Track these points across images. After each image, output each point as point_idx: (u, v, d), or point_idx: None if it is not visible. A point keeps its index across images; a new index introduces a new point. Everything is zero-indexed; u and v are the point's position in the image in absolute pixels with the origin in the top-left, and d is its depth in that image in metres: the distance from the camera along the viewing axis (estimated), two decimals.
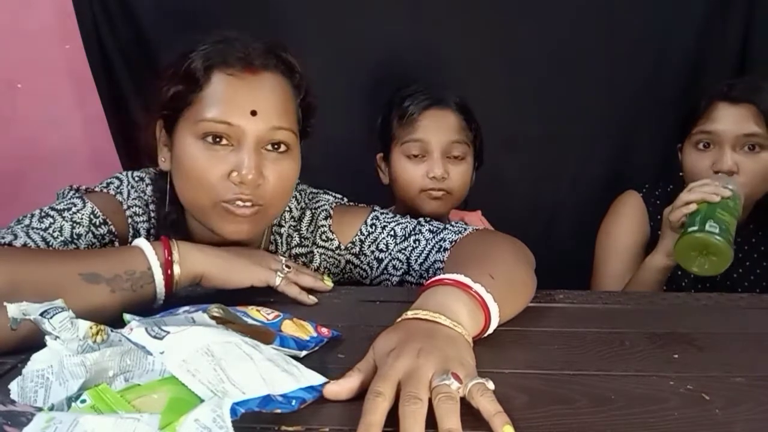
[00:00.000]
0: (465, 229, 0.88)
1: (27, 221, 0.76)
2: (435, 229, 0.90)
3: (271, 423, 0.47)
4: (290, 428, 0.47)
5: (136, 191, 0.86)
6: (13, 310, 0.51)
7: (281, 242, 0.93)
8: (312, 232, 0.94)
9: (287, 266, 0.81)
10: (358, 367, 0.53)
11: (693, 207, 0.99)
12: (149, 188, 0.87)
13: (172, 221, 0.85)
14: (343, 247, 0.93)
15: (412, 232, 0.90)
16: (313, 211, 0.95)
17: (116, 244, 0.82)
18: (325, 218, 0.94)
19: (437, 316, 0.56)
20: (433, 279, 0.64)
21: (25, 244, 0.72)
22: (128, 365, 0.50)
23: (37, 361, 0.48)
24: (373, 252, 0.92)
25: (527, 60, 1.50)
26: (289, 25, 1.45)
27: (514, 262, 0.74)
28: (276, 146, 0.79)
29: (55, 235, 0.76)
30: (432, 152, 1.17)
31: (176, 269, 0.71)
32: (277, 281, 0.78)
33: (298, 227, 0.94)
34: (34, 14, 1.50)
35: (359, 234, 0.92)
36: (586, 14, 1.47)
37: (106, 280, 0.66)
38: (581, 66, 1.50)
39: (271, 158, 0.78)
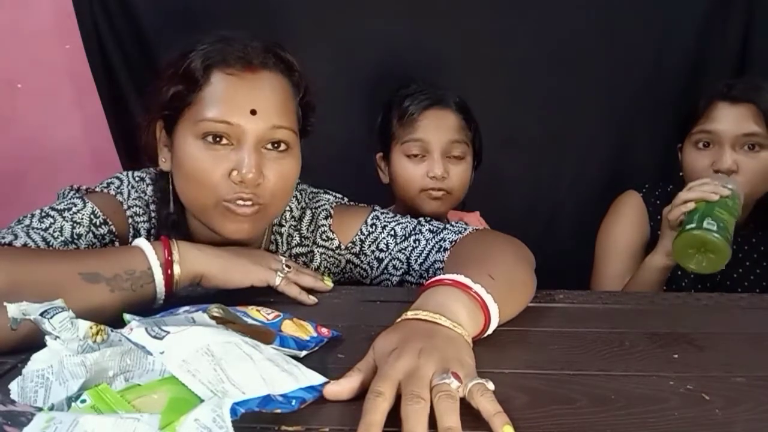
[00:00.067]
0: (465, 229, 0.88)
1: (27, 221, 0.76)
2: (435, 229, 0.90)
3: (271, 423, 0.47)
4: (290, 428, 0.47)
5: (136, 191, 0.86)
6: (13, 310, 0.51)
7: (282, 242, 0.93)
8: (312, 231, 0.94)
9: (287, 266, 0.81)
10: (358, 367, 0.53)
11: (691, 205, 0.99)
12: (150, 188, 0.87)
13: (173, 221, 0.85)
14: (343, 246, 0.93)
15: (413, 232, 0.90)
16: (314, 210, 0.95)
17: (116, 244, 0.82)
18: (326, 218, 0.94)
19: (437, 317, 0.56)
20: (433, 279, 0.64)
21: (25, 244, 0.72)
22: (128, 365, 0.50)
23: (37, 361, 0.48)
24: (373, 252, 0.92)
25: (527, 60, 1.50)
26: (289, 25, 1.45)
27: (514, 262, 0.74)
28: (276, 145, 0.79)
29: (56, 235, 0.76)
30: (432, 152, 1.17)
31: (176, 269, 0.71)
32: (277, 281, 0.78)
33: (299, 227, 0.94)
34: (34, 14, 1.50)
35: (359, 234, 0.92)
36: (586, 14, 1.47)
37: (106, 279, 0.66)
38: (581, 66, 1.50)
39: (271, 157, 0.78)
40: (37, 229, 0.75)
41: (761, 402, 0.53)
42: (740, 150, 1.10)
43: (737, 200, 1.01)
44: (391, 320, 0.58)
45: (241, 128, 0.76)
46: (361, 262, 0.93)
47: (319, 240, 0.93)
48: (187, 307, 0.61)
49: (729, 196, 1.00)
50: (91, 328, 0.51)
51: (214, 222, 0.78)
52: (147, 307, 0.69)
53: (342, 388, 0.51)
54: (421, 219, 0.93)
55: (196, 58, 0.77)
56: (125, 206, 0.84)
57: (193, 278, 0.73)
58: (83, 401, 0.45)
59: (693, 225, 0.96)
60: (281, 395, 0.48)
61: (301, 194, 0.96)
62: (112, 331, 0.52)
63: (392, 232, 0.91)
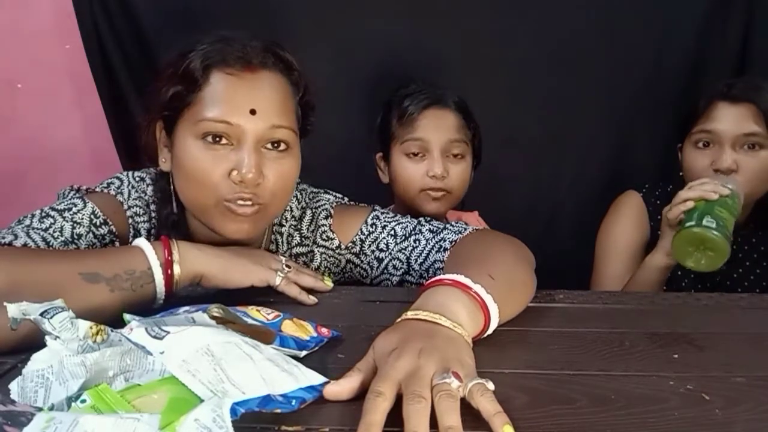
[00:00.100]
0: (465, 229, 0.88)
1: (27, 221, 0.76)
2: (435, 229, 0.90)
3: (271, 423, 0.47)
4: (290, 428, 0.47)
5: (136, 191, 0.86)
6: (13, 310, 0.51)
7: (282, 241, 0.93)
8: (312, 231, 0.94)
9: (287, 266, 0.81)
10: (358, 367, 0.53)
11: (690, 204, 1.00)
12: (150, 188, 0.87)
13: (173, 221, 0.85)
14: (343, 246, 0.93)
15: (413, 232, 0.90)
16: (314, 210, 0.95)
17: (117, 244, 0.82)
18: (326, 218, 0.94)
19: (437, 317, 0.56)
20: (433, 279, 0.64)
21: (25, 244, 0.72)
22: (128, 365, 0.50)
23: (37, 361, 0.48)
24: (373, 252, 0.92)
25: (527, 60, 1.50)
26: (289, 25, 1.45)
27: (514, 262, 0.74)
28: (276, 145, 0.79)
29: (56, 235, 0.76)
30: (432, 151, 1.17)
31: (176, 269, 0.71)
32: (278, 281, 0.78)
33: (299, 227, 0.94)
34: (34, 14, 1.50)
35: (360, 233, 0.92)
36: (586, 14, 1.47)
37: (106, 279, 0.66)
38: (581, 66, 1.50)
39: (271, 157, 0.78)
40: (37, 229, 0.75)
41: (761, 402, 0.53)
42: (740, 150, 1.10)
43: (737, 199, 1.02)
44: (391, 320, 0.58)
45: (240, 128, 0.76)
46: (361, 261, 0.93)
47: (319, 240, 0.93)
48: (187, 307, 0.61)
49: (729, 196, 1.00)
50: (91, 328, 0.51)
51: (215, 222, 0.78)
52: (147, 307, 0.69)
53: (342, 388, 0.51)
54: (421, 219, 0.93)
55: (196, 58, 0.77)
56: (125, 206, 0.84)
57: (193, 278, 0.73)
58: (83, 401, 0.45)
59: (692, 223, 0.96)
60: (281, 395, 0.48)
61: (301, 194, 0.96)
62: (112, 331, 0.52)
63: (392, 232, 0.91)
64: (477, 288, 0.61)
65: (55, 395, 0.47)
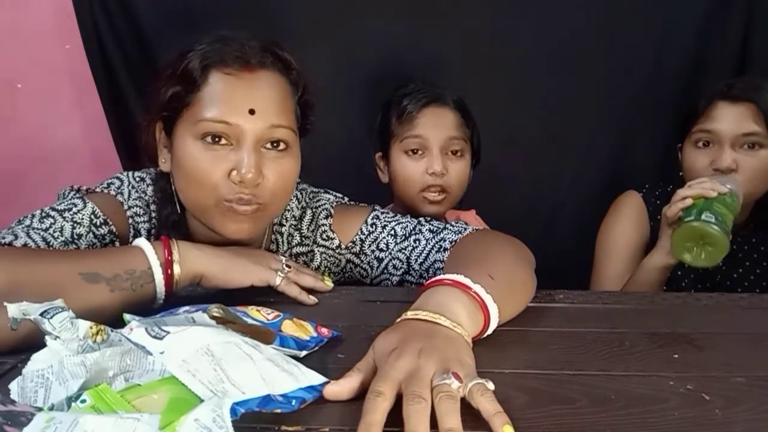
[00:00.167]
0: (465, 229, 0.88)
1: (27, 221, 0.76)
2: (435, 228, 0.90)
3: (271, 423, 0.47)
4: (290, 428, 0.47)
5: (136, 191, 0.86)
6: (13, 310, 0.51)
7: (282, 241, 0.93)
8: (313, 231, 0.94)
9: (287, 266, 0.81)
10: (358, 367, 0.53)
11: (689, 201, 1.00)
12: (150, 188, 0.87)
13: (173, 221, 0.85)
14: (343, 246, 0.93)
15: (413, 232, 0.90)
16: (314, 210, 0.95)
17: (117, 244, 0.82)
18: (326, 217, 0.94)
19: (437, 317, 0.56)
20: (432, 279, 0.64)
21: (25, 245, 0.72)
22: (128, 365, 0.50)
23: (37, 361, 0.48)
24: (373, 251, 0.92)
25: (527, 60, 1.50)
26: (289, 25, 1.45)
27: (513, 262, 0.74)
28: (275, 144, 0.79)
29: (56, 235, 0.76)
30: (431, 148, 1.18)
31: (176, 269, 0.71)
32: (278, 281, 0.78)
33: (299, 226, 0.94)
34: (34, 14, 1.50)
35: (360, 233, 0.92)
36: (586, 14, 1.47)
37: (106, 279, 0.66)
38: (581, 66, 1.50)
39: (270, 157, 0.78)
40: (38, 229, 0.75)
41: (761, 402, 0.53)
42: (740, 149, 1.10)
43: (736, 198, 1.02)
44: (391, 320, 0.58)
45: (239, 128, 0.76)
46: (362, 261, 0.93)
47: (319, 239, 0.93)
48: (187, 307, 0.61)
49: (727, 194, 1.00)
50: (91, 328, 0.51)
51: (215, 222, 0.78)
52: (147, 307, 0.69)
53: (342, 388, 0.51)
54: (422, 219, 0.93)
55: (194, 59, 0.76)
56: (125, 206, 0.84)
57: (193, 278, 0.73)
58: (83, 401, 0.45)
59: (691, 218, 0.97)
60: (281, 395, 0.48)
61: (301, 194, 0.96)
62: (112, 331, 0.52)
63: (392, 232, 0.91)
64: (477, 288, 0.61)
65: (55, 395, 0.47)
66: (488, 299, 0.61)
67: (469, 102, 1.24)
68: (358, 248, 0.93)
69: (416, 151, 1.19)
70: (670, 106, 1.46)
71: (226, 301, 0.61)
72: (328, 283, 0.83)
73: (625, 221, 1.25)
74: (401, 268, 0.90)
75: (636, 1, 1.48)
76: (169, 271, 0.71)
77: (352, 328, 0.69)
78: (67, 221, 0.78)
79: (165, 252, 0.71)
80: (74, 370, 0.48)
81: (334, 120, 1.37)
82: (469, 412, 0.47)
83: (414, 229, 0.91)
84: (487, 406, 0.46)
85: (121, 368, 0.50)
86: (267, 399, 0.46)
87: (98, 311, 0.62)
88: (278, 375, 0.50)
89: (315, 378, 0.52)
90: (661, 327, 0.70)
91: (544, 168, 1.59)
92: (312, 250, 0.94)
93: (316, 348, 0.62)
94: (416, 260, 0.88)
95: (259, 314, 0.64)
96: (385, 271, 0.91)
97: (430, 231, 0.89)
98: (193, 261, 0.73)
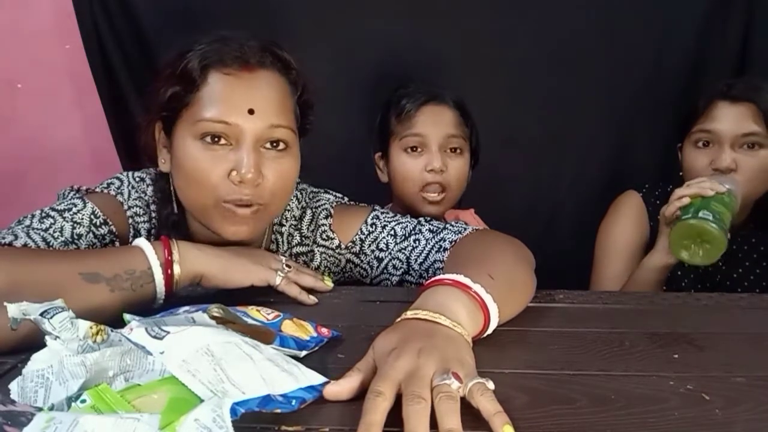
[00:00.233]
0: (465, 229, 0.88)
1: (27, 222, 0.76)
2: (435, 228, 0.90)
3: (271, 423, 0.47)
4: (290, 428, 0.47)
5: (136, 191, 0.86)
6: (13, 310, 0.51)
7: (282, 241, 0.93)
8: (312, 231, 0.94)
9: (287, 266, 0.81)
10: (358, 367, 0.53)
11: (686, 200, 1.00)
12: (150, 189, 0.87)
13: (173, 221, 0.85)
14: (343, 246, 0.93)
15: (412, 232, 0.90)
16: (314, 210, 0.95)
17: (117, 244, 0.82)
18: (326, 217, 0.94)
19: (437, 316, 0.56)
20: (432, 279, 0.64)
21: (25, 245, 0.72)
22: (128, 365, 0.50)
23: (37, 361, 0.48)
24: (373, 251, 0.92)
25: (527, 60, 1.50)
26: (289, 25, 1.45)
27: (513, 262, 0.74)
28: (275, 144, 0.79)
29: (56, 235, 0.76)
30: (430, 145, 1.18)
31: (176, 269, 0.71)
32: (278, 281, 0.78)
33: (299, 226, 0.94)
34: (34, 14, 1.50)
35: (359, 233, 0.92)
36: (586, 14, 1.47)
37: (106, 279, 0.66)
38: (581, 66, 1.50)
39: (270, 156, 0.78)
40: (38, 229, 0.75)
41: (761, 402, 0.53)
42: (739, 149, 1.10)
43: (734, 198, 1.02)
44: (391, 320, 0.58)
45: (239, 128, 0.76)
46: (361, 261, 0.93)
47: (319, 239, 0.93)
48: (187, 307, 0.61)
49: (725, 193, 1.00)
50: (91, 328, 0.51)
51: (214, 223, 0.78)
52: (147, 307, 0.69)
53: (342, 388, 0.51)
54: (421, 219, 0.93)
55: (193, 59, 0.76)
56: (125, 206, 0.84)
57: (193, 278, 0.73)
58: (83, 401, 0.45)
59: (689, 215, 0.97)
60: (281, 395, 0.48)
61: (301, 194, 0.96)
62: (112, 331, 0.52)
63: (392, 232, 0.91)
64: (477, 288, 0.61)
65: (55, 395, 0.47)
66: (488, 299, 0.61)
67: (469, 102, 1.25)
68: (357, 248, 0.93)
69: (415, 148, 1.19)
70: (670, 106, 1.46)
71: (226, 301, 0.61)
72: (328, 283, 0.83)
73: (624, 221, 1.25)
74: (401, 268, 0.90)
75: (636, 1, 1.48)
76: (169, 271, 0.71)
77: (352, 328, 0.69)
78: (67, 221, 0.78)
79: (165, 252, 0.71)
80: (74, 370, 0.48)
81: (334, 120, 1.37)
82: (469, 411, 0.47)
83: (414, 229, 0.91)
84: (487, 405, 0.46)
85: (121, 368, 0.50)
86: (267, 399, 0.46)
87: (98, 311, 0.62)
88: (278, 375, 0.50)
89: (315, 378, 0.52)
90: (661, 327, 0.70)
91: (544, 168, 1.59)
92: (312, 250, 0.94)
93: (316, 348, 0.62)
94: (416, 260, 0.88)
95: (259, 314, 0.64)
96: (385, 271, 0.91)
97: (430, 231, 0.89)
98: (193, 261, 0.73)
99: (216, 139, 0.76)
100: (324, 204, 0.95)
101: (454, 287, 0.61)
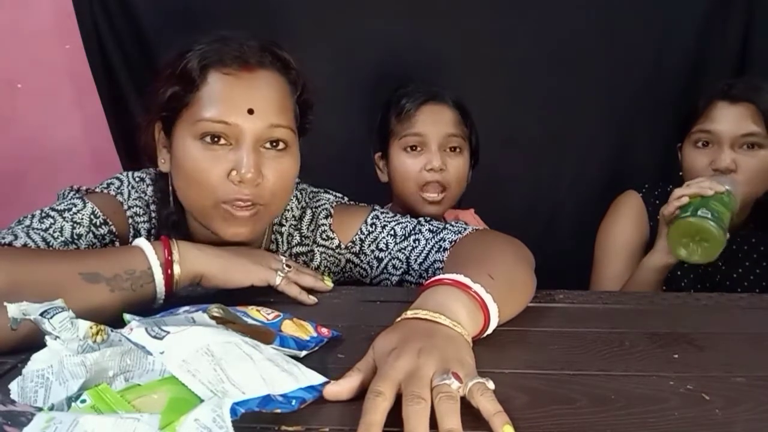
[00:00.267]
0: (465, 229, 0.88)
1: (27, 222, 0.76)
2: (435, 228, 0.90)
3: (271, 423, 0.47)
4: (290, 428, 0.47)
5: (136, 192, 0.86)
6: (13, 310, 0.51)
7: (282, 241, 0.93)
8: (312, 231, 0.94)
9: (287, 266, 0.81)
10: (358, 367, 0.53)
11: (685, 200, 1.00)
12: (150, 189, 0.87)
13: (173, 222, 0.85)
14: (343, 246, 0.93)
15: (412, 232, 0.90)
16: (314, 210, 0.95)
17: (117, 244, 0.82)
18: (326, 217, 0.94)
19: (437, 316, 0.56)
20: (432, 279, 0.64)
21: (25, 245, 0.72)
22: (128, 365, 0.50)
23: (37, 361, 0.48)
24: (373, 251, 0.92)
25: (527, 60, 1.50)
26: (289, 25, 1.45)
27: (513, 262, 0.74)
28: (274, 144, 0.79)
29: (56, 235, 0.76)
30: (429, 144, 1.19)
31: (176, 269, 0.71)
32: (278, 280, 0.78)
33: (299, 226, 0.94)
34: (34, 14, 1.50)
35: (359, 233, 0.92)
36: (586, 14, 1.47)
37: (106, 279, 0.66)
38: (581, 66, 1.50)
39: (270, 156, 0.78)
40: (37, 229, 0.75)
41: (761, 402, 0.53)
42: (739, 149, 1.10)
43: (733, 198, 1.02)
44: (391, 320, 0.58)
45: (239, 128, 0.76)
46: (361, 261, 0.93)
47: (319, 239, 0.93)
48: (187, 307, 0.61)
49: (724, 193, 1.00)
50: (91, 328, 0.51)
51: (213, 224, 0.78)
52: (147, 307, 0.69)
53: (342, 388, 0.51)
54: (421, 219, 0.93)
55: (193, 59, 0.76)
56: (125, 206, 0.84)
57: (193, 278, 0.73)
58: (83, 401, 0.45)
59: (687, 213, 0.97)
60: (281, 395, 0.48)
61: (301, 194, 0.96)
62: (112, 331, 0.52)
63: (392, 232, 0.91)
64: (476, 287, 0.61)
65: (55, 395, 0.47)
66: (488, 299, 0.61)
67: (469, 102, 1.25)
68: (357, 248, 0.93)
69: (415, 147, 1.20)
70: (670, 106, 1.46)
71: (226, 301, 0.61)
72: (328, 283, 0.83)
73: (624, 221, 1.25)
74: (401, 267, 0.90)
75: (636, 1, 1.48)
76: (169, 271, 0.71)
77: (352, 328, 0.69)
78: (67, 221, 0.78)
79: (165, 252, 0.71)
80: (74, 370, 0.48)
81: (334, 120, 1.37)
82: (469, 411, 0.47)
83: (414, 229, 0.91)
84: (487, 405, 0.46)
85: (121, 368, 0.50)
86: (267, 399, 0.46)
87: (98, 311, 0.62)
88: (278, 375, 0.50)
89: (315, 378, 0.52)
90: (661, 327, 0.70)
91: (544, 168, 1.59)
92: (312, 250, 0.94)
93: (316, 348, 0.62)
94: (416, 260, 0.88)
95: (259, 314, 0.64)
96: (385, 270, 0.91)
97: (430, 231, 0.89)
98: (193, 261, 0.73)
99: (216, 139, 0.76)
100: (324, 204, 0.95)
101: (454, 287, 0.61)
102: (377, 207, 0.97)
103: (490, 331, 0.63)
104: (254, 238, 0.84)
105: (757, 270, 1.20)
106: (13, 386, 0.47)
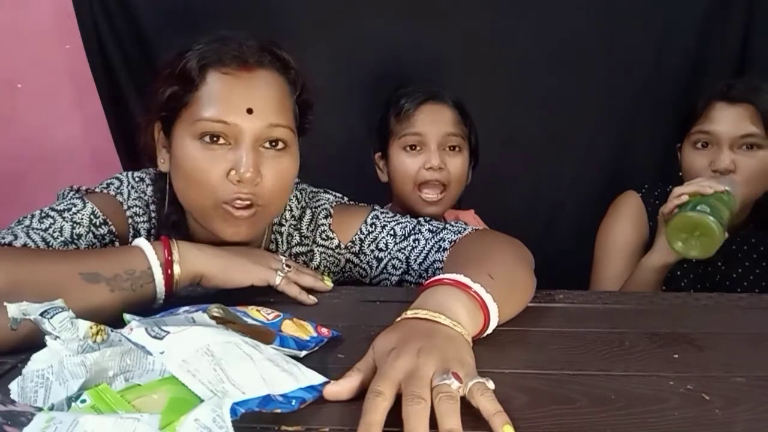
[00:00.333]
0: (464, 229, 0.88)
1: (27, 222, 0.76)
2: (434, 228, 0.90)
3: (271, 423, 0.47)
4: (290, 428, 0.47)
5: (136, 192, 0.86)
6: (13, 310, 0.51)
7: (282, 241, 0.93)
8: (312, 231, 0.94)
9: (287, 265, 0.81)
10: (358, 367, 0.53)
11: (684, 198, 1.00)
12: (149, 189, 0.87)
13: (173, 222, 0.85)
14: (343, 246, 0.93)
15: (412, 232, 0.90)
16: (314, 210, 0.95)
17: (116, 244, 0.82)
18: (326, 217, 0.94)
19: (437, 316, 0.56)
20: (432, 279, 0.64)
21: (25, 245, 0.72)
22: (128, 365, 0.50)
23: (37, 361, 0.48)
24: (372, 251, 0.92)
25: (527, 60, 1.50)
26: (289, 25, 1.45)
27: (513, 262, 0.74)
28: (274, 144, 0.79)
29: (55, 235, 0.76)
30: (428, 144, 1.19)
31: (176, 269, 0.71)
32: (278, 280, 0.78)
33: (299, 226, 0.94)
34: (34, 14, 1.50)
35: (359, 233, 0.92)
36: (586, 14, 1.47)
37: (106, 279, 0.66)
38: (581, 66, 1.50)
39: (269, 156, 0.78)
40: (37, 229, 0.75)
41: (761, 402, 0.53)
42: (738, 150, 1.10)
43: (732, 198, 1.02)
44: (391, 320, 0.58)
45: (238, 127, 0.76)
46: (361, 261, 0.93)
47: (318, 239, 0.93)
48: (187, 307, 0.61)
49: (724, 192, 1.01)
50: (91, 328, 0.51)
51: (213, 224, 0.78)
52: (147, 307, 0.69)
53: (342, 388, 0.51)
54: (421, 219, 0.93)
55: (192, 58, 0.76)
56: (125, 206, 0.84)
57: (193, 278, 0.73)
58: (83, 401, 0.45)
59: (687, 209, 0.98)
60: (281, 395, 0.48)
61: (301, 193, 0.96)
62: (112, 331, 0.52)
63: (392, 232, 0.91)
64: (476, 287, 0.61)
65: (55, 395, 0.47)
66: (488, 298, 0.61)
67: (469, 102, 1.25)
68: (357, 248, 0.93)
69: (414, 147, 1.20)
70: (670, 106, 1.46)
71: (226, 301, 0.61)
72: (328, 283, 0.83)
73: (624, 221, 1.25)
74: (400, 267, 0.90)
75: (636, 1, 1.48)
76: (169, 271, 0.71)
77: (352, 328, 0.69)
78: (67, 221, 0.78)
79: (165, 252, 0.71)
80: (74, 370, 0.48)
81: (334, 120, 1.37)
82: (469, 411, 0.47)
83: (413, 229, 0.91)
84: (487, 405, 0.46)
85: (121, 368, 0.50)
86: (267, 399, 0.46)
87: (98, 311, 0.62)
88: (278, 375, 0.50)
89: (315, 378, 0.52)
90: (661, 327, 0.70)
91: (544, 168, 1.59)
92: (311, 250, 0.94)
93: (316, 348, 0.62)
94: (415, 260, 0.88)
95: (259, 314, 0.64)
96: (385, 270, 0.91)
97: (430, 231, 0.89)
98: (193, 261, 0.73)
99: (215, 139, 0.76)
100: (324, 204, 0.95)
101: (454, 287, 0.61)
102: (377, 207, 0.97)
103: (490, 330, 0.63)
104: (254, 238, 0.84)
105: (757, 270, 1.20)
106: (13, 386, 0.47)
